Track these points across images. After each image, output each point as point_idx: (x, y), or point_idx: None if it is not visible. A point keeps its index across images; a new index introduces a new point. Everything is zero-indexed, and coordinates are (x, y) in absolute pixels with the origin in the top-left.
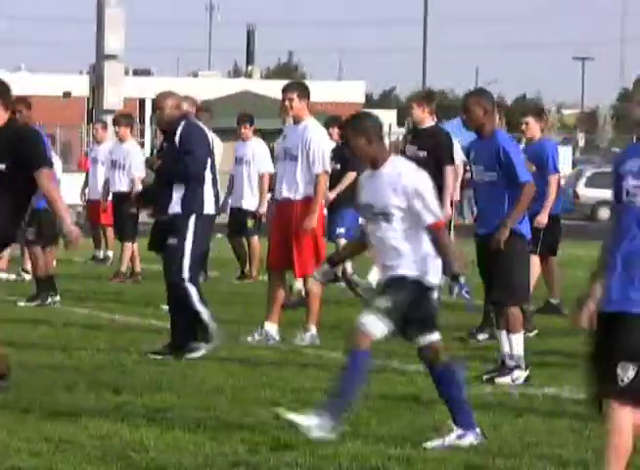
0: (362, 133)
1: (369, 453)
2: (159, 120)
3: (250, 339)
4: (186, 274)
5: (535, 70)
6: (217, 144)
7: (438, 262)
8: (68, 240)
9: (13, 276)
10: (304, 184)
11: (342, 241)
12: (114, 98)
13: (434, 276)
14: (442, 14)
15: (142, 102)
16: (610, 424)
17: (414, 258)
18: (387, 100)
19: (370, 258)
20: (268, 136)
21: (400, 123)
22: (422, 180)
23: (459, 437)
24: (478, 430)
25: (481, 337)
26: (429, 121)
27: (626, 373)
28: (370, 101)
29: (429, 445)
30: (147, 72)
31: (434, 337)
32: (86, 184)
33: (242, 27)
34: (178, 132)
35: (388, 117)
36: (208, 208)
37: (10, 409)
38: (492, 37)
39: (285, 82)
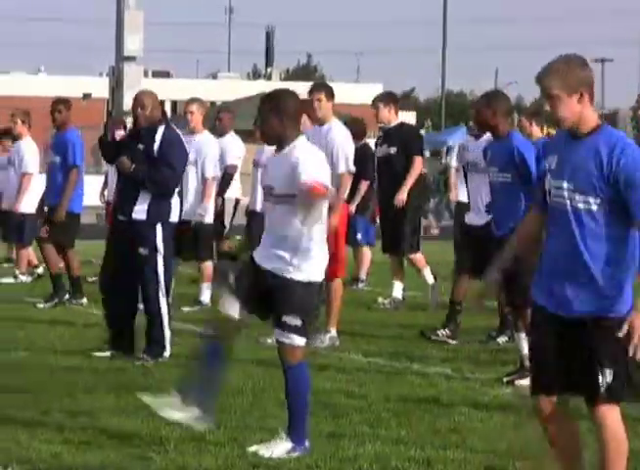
0: (278, 112)
1: (389, 455)
2: (139, 118)
3: (270, 340)
4: (162, 285)
5: None
6: (239, 146)
7: (321, 258)
8: None
9: (30, 278)
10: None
11: (366, 248)
12: None
13: (318, 273)
14: (461, 14)
15: (161, 103)
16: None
17: (300, 248)
18: (405, 101)
19: (389, 271)
20: None
21: (419, 125)
22: (307, 155)
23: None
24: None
25: (501, 340)
26: (395, 120)
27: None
28: None
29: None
30: (166, 74)
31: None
32: (105, 186)
33: (261, 29)
34: (158, 138)
35: (407, 118)
36: (173, 216)
37: (30, 411)
38: (512, 38)
39: (304, 84)
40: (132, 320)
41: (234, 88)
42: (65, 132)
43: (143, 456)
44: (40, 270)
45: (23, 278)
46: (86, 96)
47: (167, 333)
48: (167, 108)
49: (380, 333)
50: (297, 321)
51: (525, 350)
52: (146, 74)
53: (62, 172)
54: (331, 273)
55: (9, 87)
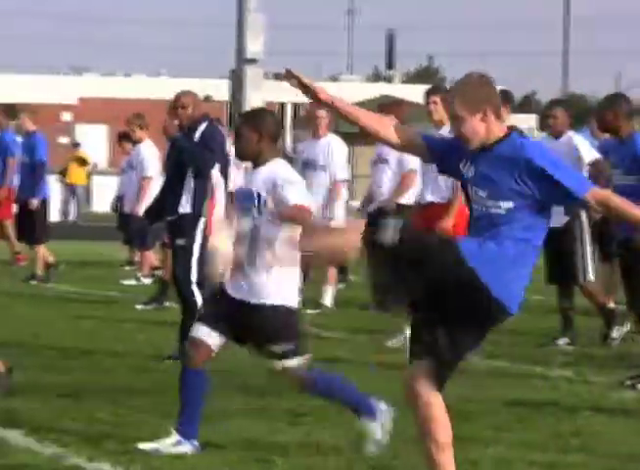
0: (256, 130)
1: (511, 459)
2: (182, 117)
3: (389, 343)
4: (194, 277)
5: None
6: (339, 146)
7: (293, 281)
8: None
9: (151, 281)
10: (445, 187)
11: None
12: (255, 102)
13: (293, 298)
14: (584, 16)
15: (282, 106)
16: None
17: (273, 272)
18: (527, 104)
19: None
20: None
21: (541, 128)
22: (292, 176)
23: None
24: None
25: (562, 342)
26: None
27: None
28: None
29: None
30: None
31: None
32: None
33: (382, 31)
34: (200, 130)
35: (527, 121)
36: (216, 214)
37: (153, 412)
38: (636, 40)
39: (425, 87)
40: None
41: (355, 91)
42: None
43: (265, 459)
44: (161, 273)
45: (146, 281)
46: (206, 98)
47: None
48: (289, 111)
49: (503, 336)
50: (282, 348)
51: None
52: (266, 77)
53: None
54: None
55: (130, 90)
